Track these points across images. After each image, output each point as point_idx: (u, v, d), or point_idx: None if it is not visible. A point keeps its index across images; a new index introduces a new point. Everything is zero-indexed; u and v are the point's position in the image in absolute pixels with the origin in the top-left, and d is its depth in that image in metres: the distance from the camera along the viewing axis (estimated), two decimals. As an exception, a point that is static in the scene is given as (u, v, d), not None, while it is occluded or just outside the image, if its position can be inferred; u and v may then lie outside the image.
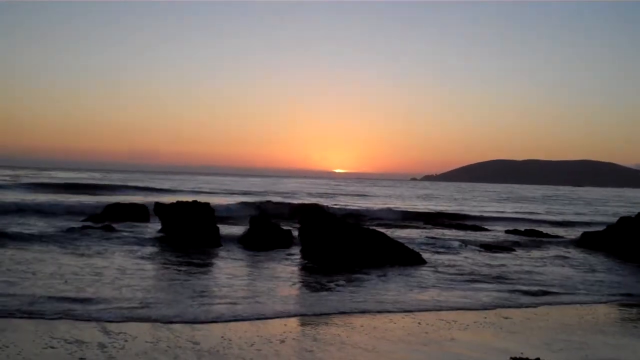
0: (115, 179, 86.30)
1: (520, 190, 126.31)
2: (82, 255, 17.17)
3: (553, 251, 22.94)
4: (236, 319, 10.23)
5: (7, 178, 65.68)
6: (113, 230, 22.35)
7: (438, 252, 21.07)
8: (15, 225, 23.39)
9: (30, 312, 10.10)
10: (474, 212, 45.05)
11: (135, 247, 19.26)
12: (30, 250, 17.59)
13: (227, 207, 35.46)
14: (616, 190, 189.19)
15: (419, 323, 10.57)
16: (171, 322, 9.82)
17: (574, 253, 22.63)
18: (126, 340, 8.64)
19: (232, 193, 59.69)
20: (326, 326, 10.06)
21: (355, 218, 34.79)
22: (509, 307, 12.46)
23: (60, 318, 9.83)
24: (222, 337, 9.05)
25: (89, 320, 9.75)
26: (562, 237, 28.38)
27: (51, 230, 21.91)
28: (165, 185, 67.51)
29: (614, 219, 27.17)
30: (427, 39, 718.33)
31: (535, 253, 22.25)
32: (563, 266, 19.20)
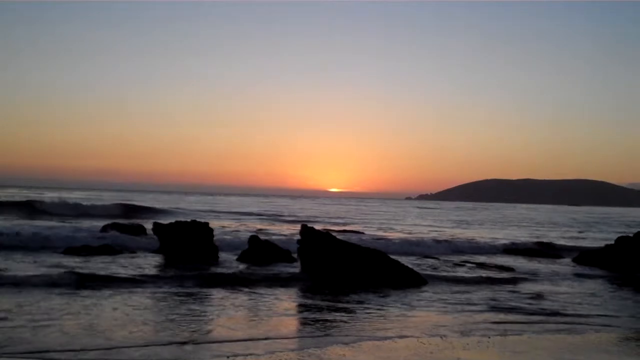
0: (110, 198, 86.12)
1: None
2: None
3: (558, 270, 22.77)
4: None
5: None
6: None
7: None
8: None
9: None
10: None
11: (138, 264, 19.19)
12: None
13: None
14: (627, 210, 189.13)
15: (423, 343, 10.50)
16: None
17: (577, 270, 22.61)
18: None
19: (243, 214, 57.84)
20: (331, 346, 9.99)
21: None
22: (513, 326, 12.43)
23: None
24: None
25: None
26: (563, 256, 28.35)
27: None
28: (163, 205, 67.45)
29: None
30: (423, 58, 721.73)
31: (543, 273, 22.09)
32: (571, 286, 19.21)
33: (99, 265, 18.88)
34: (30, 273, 16.23)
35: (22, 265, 18.34)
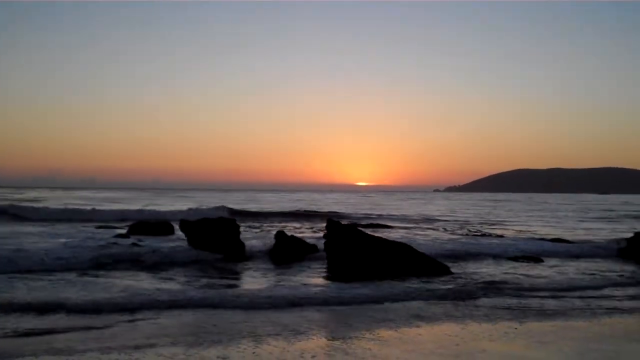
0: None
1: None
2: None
3: (583, 262, 22.49)
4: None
5: None
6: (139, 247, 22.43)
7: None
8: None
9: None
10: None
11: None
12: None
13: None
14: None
15: (448, 335, 10.52)
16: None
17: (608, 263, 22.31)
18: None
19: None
20: (357, 340, 10.04)
21: None
22: (539, 317, 12.39)
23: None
24: (253, 352, 9.08)
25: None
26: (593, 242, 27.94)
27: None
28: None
29: None
30: (445, 47, 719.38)
31: (569, 262, 21.91)
32: (593, 274, 19.07)
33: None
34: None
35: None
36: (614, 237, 29.28)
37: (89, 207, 48.19)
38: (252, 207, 67.09)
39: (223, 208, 49.59)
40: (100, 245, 21.47)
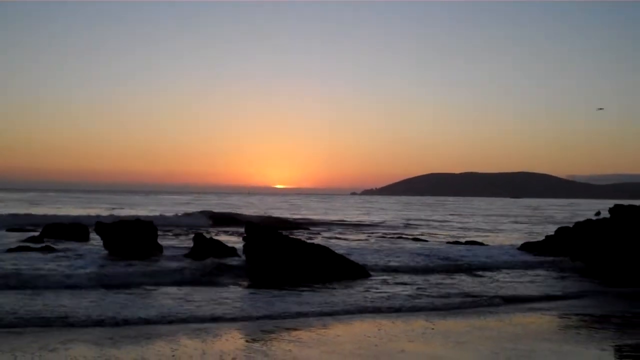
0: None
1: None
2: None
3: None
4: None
5: None
6: (53, 250, 21.77)
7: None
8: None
9: None
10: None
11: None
12: None
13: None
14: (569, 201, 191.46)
15: (367, 336, 10.61)
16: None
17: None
18: None
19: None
20: (277, 341, 10.02)
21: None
22: (456, 316, 12.67)
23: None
24: (172, 355, 8.94)
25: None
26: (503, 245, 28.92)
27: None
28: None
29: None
30: (363, 49, 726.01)
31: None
32: (507, 272, 19.75)
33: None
34: None
35: None
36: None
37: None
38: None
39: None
40: None
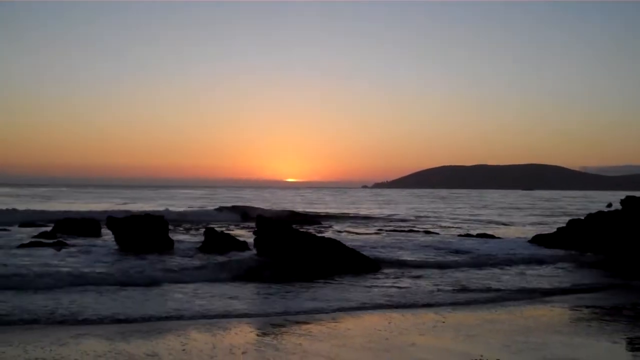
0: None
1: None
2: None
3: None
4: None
5: None
6: (65, 246, 21.86)
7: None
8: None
9: None
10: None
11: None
12: None
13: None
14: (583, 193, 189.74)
15: (378, 329, 10.61)
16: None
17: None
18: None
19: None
20: (287, 335, 10.03)
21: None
22: (467, 309, 12.65)
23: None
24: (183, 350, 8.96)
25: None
26: (515, 238, 28.86)
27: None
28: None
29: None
30: (374, 45, 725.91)
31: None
32: (518, 266, 19.70)
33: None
34: None
35: None
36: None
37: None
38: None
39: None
40: None
